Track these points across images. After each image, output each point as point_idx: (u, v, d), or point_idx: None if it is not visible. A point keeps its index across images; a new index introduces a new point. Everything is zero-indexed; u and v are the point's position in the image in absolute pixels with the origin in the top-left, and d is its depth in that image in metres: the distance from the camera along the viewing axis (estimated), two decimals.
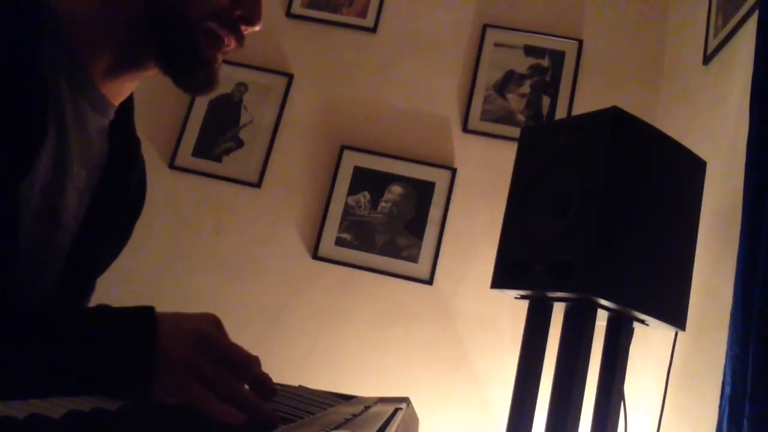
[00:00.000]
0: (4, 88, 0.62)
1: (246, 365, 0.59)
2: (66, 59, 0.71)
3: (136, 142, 0.88)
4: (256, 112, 2.48)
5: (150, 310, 0.57)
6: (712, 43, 1.82)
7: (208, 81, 0.78)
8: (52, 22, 0.70)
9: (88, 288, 0.86)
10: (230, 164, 2.43)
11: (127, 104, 0.85)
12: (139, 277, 2.24)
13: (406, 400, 1.02)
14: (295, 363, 2.21)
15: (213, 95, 2.48)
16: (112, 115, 0.81)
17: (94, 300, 0.87)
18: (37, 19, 0.67)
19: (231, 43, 0.77)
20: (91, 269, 0.84)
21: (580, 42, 2.41)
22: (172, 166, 2.42)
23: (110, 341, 0.55)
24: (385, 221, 2.32)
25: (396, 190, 2.35)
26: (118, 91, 0.80)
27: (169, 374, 0.54)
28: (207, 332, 0.58)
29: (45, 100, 0.66)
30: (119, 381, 0.53)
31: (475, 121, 2.39)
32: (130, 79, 0.80)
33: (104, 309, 0.60)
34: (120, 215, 0.86)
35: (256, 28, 0.78)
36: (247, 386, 0.61)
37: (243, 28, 0.77)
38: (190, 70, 0.76)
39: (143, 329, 0.55)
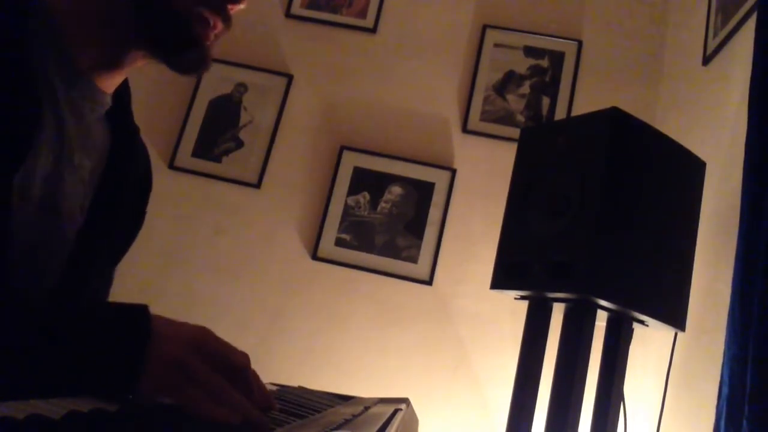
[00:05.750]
0: None
1: (241, 369, 0.58)
2: (56, 49, 0.71)
3: (134, 129, 0.88)
4: (256, 113, 2.47)
5: (143, 307, 0.56)
6: (712, 44, 1.82)
7: (202, 60, 0.78)
8: (40, 13, 0.70)
9: (102, 278, 0.85)
10: (230, 165, 2.43)
11: (123, 91, 0.85)
12: (139, 277, 2.24)
13: (405, 400, 1.02)
14: (295, 363, 2.21)
15: (213, 95, 2.48)
16: (108, 103, 0.81)
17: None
18: (25, 10, 0.67)
19: (217, 24, 0.78)
20: (100, 259, 0.83)
21: (580, 42, 2.41)
22: (171, 166, 2.42)
23: (102, 336, 0.54)
24: (384, 222, 2.32)
25: (396, 190, 2.35)
26: (110, 80, 0.80)
27: (159, 371, 0.53)
28: (201, 334, 0.58)
29: (36, 90, 0.65)
30: (106, 377, 0.53)
31: (474, 121, 2.39)
32: (119, 70, 0.80)
33: (99, 304, 0.59)
34: (127, 201, 0.86)
35: (241, 6, 0.79)
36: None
37: (229, 7, 0.78)
38: (181, 51, 0.77)
39: (136, 325, 0.55)
